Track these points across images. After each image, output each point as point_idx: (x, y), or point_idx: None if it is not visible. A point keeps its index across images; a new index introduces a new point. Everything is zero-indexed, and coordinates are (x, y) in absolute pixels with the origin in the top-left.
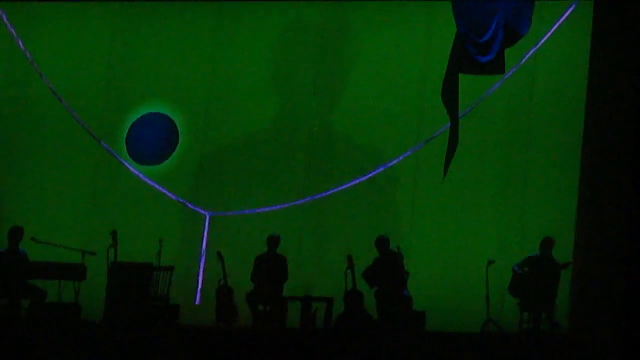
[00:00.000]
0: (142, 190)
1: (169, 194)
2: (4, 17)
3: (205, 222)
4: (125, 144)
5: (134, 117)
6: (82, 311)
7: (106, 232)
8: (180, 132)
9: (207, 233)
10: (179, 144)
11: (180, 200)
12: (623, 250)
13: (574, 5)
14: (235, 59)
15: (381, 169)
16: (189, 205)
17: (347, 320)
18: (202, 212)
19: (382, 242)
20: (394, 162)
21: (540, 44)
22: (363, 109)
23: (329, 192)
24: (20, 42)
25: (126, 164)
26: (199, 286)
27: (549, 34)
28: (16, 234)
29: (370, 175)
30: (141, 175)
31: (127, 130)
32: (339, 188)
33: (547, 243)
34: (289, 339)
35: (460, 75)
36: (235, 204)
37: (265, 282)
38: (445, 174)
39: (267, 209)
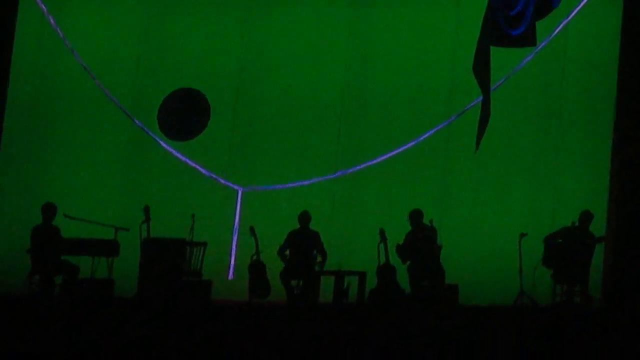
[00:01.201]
0: (174, 166)
1: (201, 169)
2: None
3: (237, 197)
4: (157, 119)
5: (165, 92)
6: (115, 287)
7: (139, 208)
8: (212, 107)
9: (240, 208)
10: (210, 119)
11: (213, 175)
12: None
13: None
14: (266, 33)
15: (413, 143)
16: (221, 180)
17: (380, 294)
18: (235, 187)
19: (415, 216)
20: (426, 135)
21: (571, 15)
22: (394, 82)
23: (361, 166)
24: (51, 19)
25: (158, 139)
26: (232, 261)
27: (580, 6)
28: (49, 210)
29: (402, 149)
30: (173, 151)
31: (159, 106)
32: (371, 162)
33: (586, 216)
34: (322, 314)
35: (492, 48)
36: (267, 179)
37: (297, 257)
38: (477, 147)
39: (299, 184)
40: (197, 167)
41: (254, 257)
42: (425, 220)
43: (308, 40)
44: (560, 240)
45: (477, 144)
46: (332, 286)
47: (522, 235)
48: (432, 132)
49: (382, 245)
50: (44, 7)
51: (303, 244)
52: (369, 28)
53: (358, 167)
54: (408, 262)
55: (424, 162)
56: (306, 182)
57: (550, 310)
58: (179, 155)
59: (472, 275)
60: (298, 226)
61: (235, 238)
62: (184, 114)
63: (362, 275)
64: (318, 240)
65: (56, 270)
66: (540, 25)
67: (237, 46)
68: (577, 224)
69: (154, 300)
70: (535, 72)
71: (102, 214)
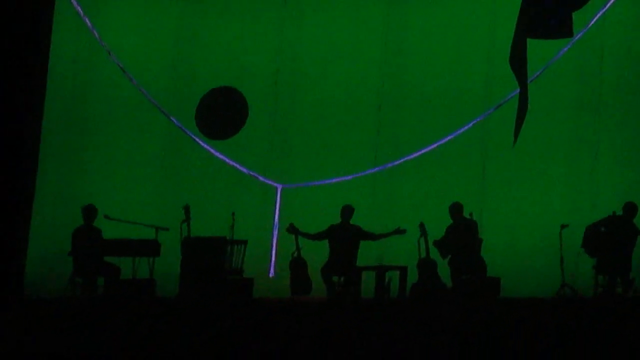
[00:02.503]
0: (213, 165)
1: (240, 167)
2: None
3: (277, 194)
4: (195, 118)
5: (202, 91)
6: (157, 287)
7: (179, 208)
8: (250, 106)
9: (280, 205)
10: (248, 117)
11: (252, 173)
12: None
13: None
14: (302, 30)
15: (451, 137)
16: (261, 178)
17: (421, 288)
18: (274, 184)
19: (455, 209)
20: (464, 129)
21: (607, 6)
22: (431, 77)
23: (399, 161)
24: (87, 21)
25: (196, 138)
26: (273, 259)
27: None
28: (90, 212)
29: (440, 142)
30: (212, 150)
31: (196, 105)
32: (410, 157)
33: (630, 208)
34: (364, 309)
35: (528, 41)
36: (306, 176)
37: (339, 253)
38: (515, 140)
39: (338, 180)
40: (237, 165)
41: (295, 254)
42: (465, 214)
43: (344, 36)
44: (603, 229)
45: (515, 136)
46: (374, 281)
47: (563, 226)
48: (470, 125)
49: (422, 239)
50: (79, 9)
51: (344, 239)
52: (405, 23)
53: (397, 162)
54: (448, 257)
55: (463, 155)
56: (345, 178)
57: (592, 301)
58: (218, 154)
59: (513, 268)
60: (339, 221)
61: (275, 235)
62: (222, 113)
63: (403, 270)
64: (361, 231)
65: (98, 272)
66: (576, 16)
67: (273, 44)
68: (617, 213)
69: (195, 300)
70: (572, 64)
71: (141, 214)
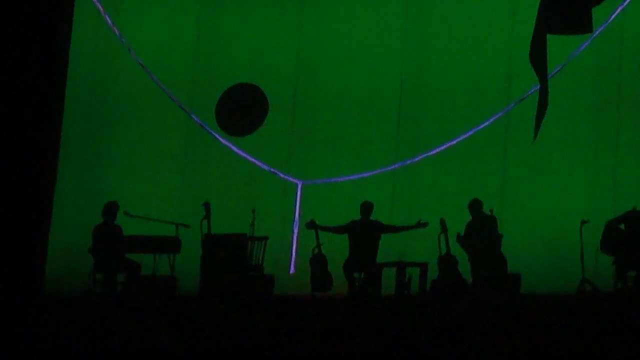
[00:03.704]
0: (233, 161)
1: (260, 164)
2: None
3: (297, 190)
4: (215, 115)
5: (223, 88)
6: (177, 284)
7: (199, 205)
8: (270, 102)
9: (300, 202)
10: (268, 114)
11: (272, 170)
12: None
13: None
14: (322, 26)
15: (471, 132)
16: (281, 174)
17: (441, 284)
18: (294, 181)
19: (475, 205)
20: (484, 124)
21: (627, 1)
22: (452, 72)
23: (419, 157)
24: (107, 18)
25: (217, 135)
26: (293, 255)
27: None
28: (111, 209)
29: (460, 138)
30: (232, 146)
31: (216, 102)
32: (430, 153)
33: None
34: (385, 306)
35: (548, 36)
36: (326, 172)
37: (359, 249)
38: (535, 136)
39: (358, 176)
40: (256, 161)
41: (315, 251)
42: (485, 210)
43: (364, 31)
44: (622, 226)
45: (536, 132)
46: (394, 278)
47: (583, 222)
48: (490, 121)
49: (442, 235)
50: (100, 6)
51: (364, 235)
52: (425, 18)
53: (417, 158)
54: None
55: (483, 151)
56: (365, 174)
57: (613, 297)
58: (238, 150)
59: (533, 264)
60: (359, 217)
61: (295, 232)
62: (242, 110)
63: (423, 267)
64: (381, 225)
65: (118, 269)
66: (596, 12)
67: (293, 40)
68: (637, 209)
69: (216, 296)
70: (592, 60)
71: (162, 211)
